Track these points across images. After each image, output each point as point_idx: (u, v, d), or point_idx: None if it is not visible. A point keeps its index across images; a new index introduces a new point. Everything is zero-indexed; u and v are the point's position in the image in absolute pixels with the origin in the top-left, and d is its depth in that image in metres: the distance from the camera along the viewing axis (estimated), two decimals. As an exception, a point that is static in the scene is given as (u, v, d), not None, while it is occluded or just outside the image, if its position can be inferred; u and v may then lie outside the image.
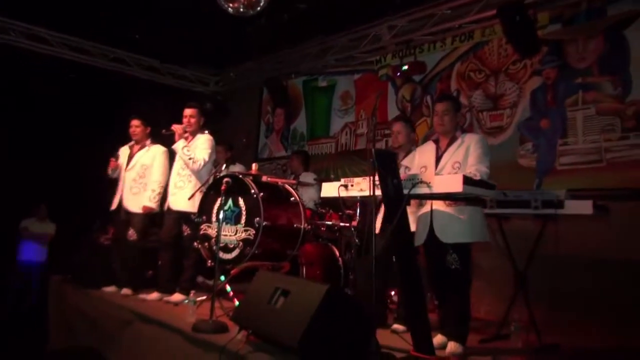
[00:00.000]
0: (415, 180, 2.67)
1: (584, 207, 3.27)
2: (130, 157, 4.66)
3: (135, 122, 4.65)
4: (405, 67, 5.63)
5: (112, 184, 4.75)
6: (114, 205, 4.63)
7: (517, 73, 4.95)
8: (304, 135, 7.28)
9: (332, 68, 6.88)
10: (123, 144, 4.84)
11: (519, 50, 4.76)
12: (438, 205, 3.09)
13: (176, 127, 4.14)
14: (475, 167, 2.98)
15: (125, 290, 4.39)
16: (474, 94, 5.27)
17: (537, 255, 3.58)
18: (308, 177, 5.35)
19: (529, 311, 3.49)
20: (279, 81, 7.34)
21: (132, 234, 4.47)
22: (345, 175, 6.37)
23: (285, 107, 7.54)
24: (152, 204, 4.44)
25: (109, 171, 4.69)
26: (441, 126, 3.24)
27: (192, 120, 4.25)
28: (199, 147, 4.18)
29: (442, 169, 3.13)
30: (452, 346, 2.98)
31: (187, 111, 4.27)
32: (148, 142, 4.70)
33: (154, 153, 4.63)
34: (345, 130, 6.67)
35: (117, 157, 4.66)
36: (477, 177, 2.83)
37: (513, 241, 3.71)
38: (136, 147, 4.70)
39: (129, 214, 4.52)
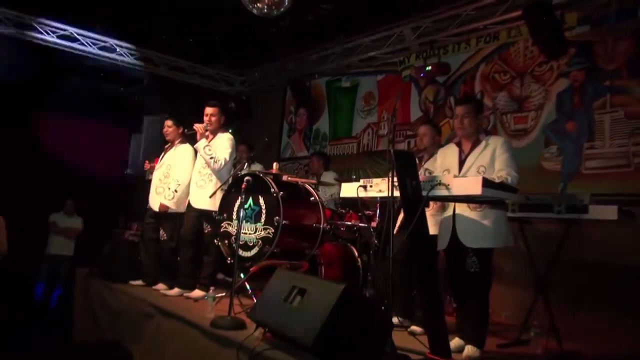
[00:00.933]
0: (434, 182, 2.65)
1: (609, 212, 3.21)
2: (162, 158, 4.75)
3: (167, 123, 4.72)
4: (429, 68, 5.59)
5: (139, 183, 4.87)
6: (147, 204, 4.72)
7: (543, 75, 4.86)
8: (326, 135, 7.30)
9: (356, 69, 6.88)
10: (149, 142, 4.95)
11: (546, 51, 4.67)
12: (461, 209, 3.06)
13: (197, 127, 4.19)
14: (505, 172, 2.92)
15: (160, 286, 4.42)
16: (498, 95, 5.19)
17: (559, 260, 3.52)
18: (328, 176, 5.37)
19: (550, 317, 3.43)
20: (302, 82, 7.38)
21: (162, 234, 4.55)
22: (367, 176, 6.39)
23: (308, 107, 7.58)
24: (168, 201, 4.46)
25: (146, 174, 4.81)
26: (461, 129, 3.20)
27: (213, 118, 4.28)
28: (220, 147, 4.22)
29: (467, 173, 3.08)
30: (469, 350, 2.95)
31: (208, 110, 4.31)
32: (178, 141, 4.72)
33: (179, 152, 4.66)
34: (368, 131, 6.66)
35: (151, 160, 4.74)
36: (508, 181, 2.80)
37: (535, 245, 3.65)
38: (169, 148, 4.77)
39: (157, 213, 4.58)
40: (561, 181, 4.54)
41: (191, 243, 4.28)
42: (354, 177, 6.17)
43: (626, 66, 4.31)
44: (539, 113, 4.83)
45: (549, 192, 4.11)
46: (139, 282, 4.61)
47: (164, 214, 4.51)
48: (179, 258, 4.44)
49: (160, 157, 4.78)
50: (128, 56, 7.28)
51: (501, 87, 5.19)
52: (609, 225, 3.71)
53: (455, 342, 3.05)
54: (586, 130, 4.46)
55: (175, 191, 4.46)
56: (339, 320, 2.43)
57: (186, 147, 4.66)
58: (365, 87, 6.79)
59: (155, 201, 4.56)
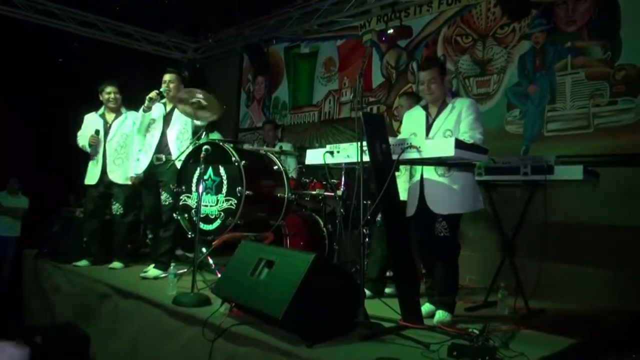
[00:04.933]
0: (404, 145, 2.55)
1: (575, 172, 3.22)
2: (109, 127, 4.47)
3: (112, 89, 4.44)
4: (391, 31, 5.44)
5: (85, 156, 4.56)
6: (92, 180, 4.43)
7: (505, 37, 4.81)
8: (286, 104, 7.10)
9: (315, 34, 6.66)
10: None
11: (509, 13, 4.62)
12: (429, 174, 2.98)
13: (152, 95, 3.95)
14: (468, 135, 2.83)
15: (116, 264, 4.30)
16: (461, 59, 5.13)
17: (524, 222, 3.54)
18: (286, 146, 5.23)
19: (516, 278, 3.46)
20: (259, 47, 7.10)
21: (117, 209, 4.37)
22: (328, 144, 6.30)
23: (266, 74, 7.33)
24: (139, 172, 4.28)
25: (90, 149, 4.46)
26: (430, 95, 3.06)
27: (172, 85, 4.05)
28: None
29: (434, 137, 2.98)
30: (440, 315, 2.93)
31: (167, 76, 4.07)
32: (123, 109, 4.53)
33: (133, 120, 4.43)
34: (329, 99, 6.50)
35: (97, 132, 4.42)
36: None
37: (499, 209, 3.65)
38: (111, 116, 4.50)
39: (113, 186, 4.38)
40: (523, 144, 4.56)
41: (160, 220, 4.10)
42: (317, 145, 6.04)
43: (586, 27, 4.31)
44: (502, 76, 4.80)
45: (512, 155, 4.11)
46: (84, 262, 4.36)
47: (120, 185, 4.35)
48: (149, 235, 4.27)
49: (104, 127, 4.47)
50: (71, 21, 6.76)
51: (463, 50, 5.12)
52: (573, 187, 3.76)
53: (425, 307, 3.02)
54: (547, 92, 4.47)
55: (138, 160, 4.23)
56: (310, 291, 2.34)
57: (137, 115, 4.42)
58: (325, 53, 6.60)
59: (115, 172, 4.37)
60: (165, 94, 4.00)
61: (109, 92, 4.43)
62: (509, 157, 3.64)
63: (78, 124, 4.61)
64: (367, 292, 3.52)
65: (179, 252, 4.63)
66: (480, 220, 4.04)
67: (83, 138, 4.44)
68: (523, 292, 3.42)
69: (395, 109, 5.22)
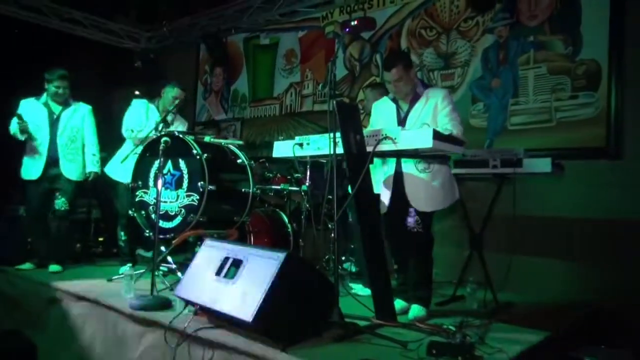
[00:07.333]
0: (379, 136, 2.44)
1: (543, 165, 3.24)
2: (56, 119, 4.14)
3: (62, 83, 4.12)
4: (355, 22, 5.34)
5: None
6: (34, 174, 4.07)
7: (468, 31, 4.80)
8: (245, 97, 6.87)
9: (276, 24, 6.46)
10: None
11: (473, 5, 4.61)
12: (409, 169, 2.88)
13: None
14: (450, 125, 2.76)
15: (54, 267, 3.97)
16: (425, 52, 5.09)
17: (492, 216, 3.54)
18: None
19: (485, 272, 3.45)
20: (217, 37, 6.83)
21: (63, 204, 4.10)
22: (290, 138, 6.15)
23: (224, 66, 7.07)
24: (97, 168, 4.21)
25: (21, 136, 4.07)
26: (399, 93, 2.96)
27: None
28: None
29: None
30: (415, 310, 2.87)
31: (181, 94, 4.11)
32: (71, 100, 4.26)
33: (82, 113, 4.26)
34: (290, 91, 6.34)
35: (20, 118, 4.01)
36: (454, 134, 2.66)
37: (466, 203, 3.62)
38: (57, 107, 4.18)
39: (60, 181, 4.09)
40: (487, 137, 4.56)
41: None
42: (282, 138, 5.87)
43: (548, 22, 4.34)
44: (466, 70, 4.79)
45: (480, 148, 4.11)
46: (27, 265, 4.03)
47: (70, 181, 4.13)
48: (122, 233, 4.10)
49: (50, 118, 4.14)
50: (11, 5, 6.26)
51: (427, 43, 5.08)
52: (538, 180, 3.79)
53: (396, 304, 2.93)
54: (511, 86, 4.48)
55: (94, 155, 4.22)
56: (282, 291, 2.21)
57: (87, 107, 4.33)
58: (286, 45, 6.41)
59: (67, 168, 4.11)
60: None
61: (58, 87, 4.10)
62: (478, 150, 3.64)
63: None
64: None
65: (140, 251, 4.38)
66: (445, 215, 4.01)
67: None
68: (492, 286, 3.41)
69: (360, 102, 5.13)
